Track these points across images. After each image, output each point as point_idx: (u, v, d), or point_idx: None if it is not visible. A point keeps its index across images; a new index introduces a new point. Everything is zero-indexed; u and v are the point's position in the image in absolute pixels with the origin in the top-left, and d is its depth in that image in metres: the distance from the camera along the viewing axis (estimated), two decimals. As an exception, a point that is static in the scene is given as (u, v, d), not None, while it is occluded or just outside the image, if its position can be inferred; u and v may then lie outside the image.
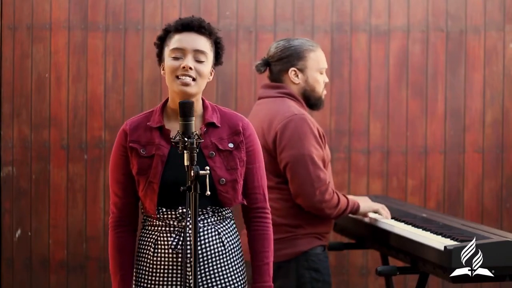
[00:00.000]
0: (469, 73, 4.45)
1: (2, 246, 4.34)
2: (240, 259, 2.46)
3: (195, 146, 2.16)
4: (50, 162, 4.34)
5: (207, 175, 2.16)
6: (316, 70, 3.20)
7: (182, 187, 2.17)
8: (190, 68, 2.32)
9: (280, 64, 3.19)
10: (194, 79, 2.33)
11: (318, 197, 3.01)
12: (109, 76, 4.35)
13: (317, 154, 3.04)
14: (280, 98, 3.15)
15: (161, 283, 2.38)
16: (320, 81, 3.21)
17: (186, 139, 2.17)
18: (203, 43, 2.36)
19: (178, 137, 2.20)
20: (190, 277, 2.31)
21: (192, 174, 2.13)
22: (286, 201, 3.08)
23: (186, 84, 2.32)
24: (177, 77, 2.33)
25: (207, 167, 2.19)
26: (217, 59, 2.44)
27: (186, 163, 2.16)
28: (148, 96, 4.35)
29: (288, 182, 3.07)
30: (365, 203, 3.25)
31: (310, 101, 3.21)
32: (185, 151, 2.16)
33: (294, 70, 3.17)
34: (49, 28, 4.33)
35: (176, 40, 2.36)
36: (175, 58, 2.34)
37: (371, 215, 3.29)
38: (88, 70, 4.35)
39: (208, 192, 2.17)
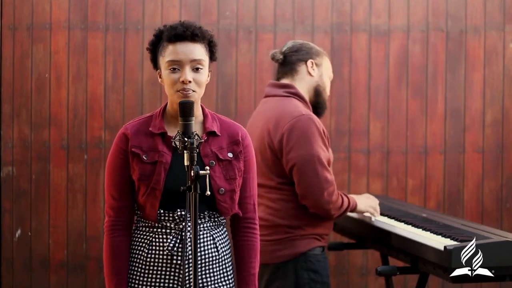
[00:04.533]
0: (469, 73, 4.45)
1: (2, 246, 4.34)
2: (230, 265, 2.46)
3: (195, 146, 2.15)
4: (50, 162, 4.34)
5: (207, 175, 2.16)
6: (327, 75, 3.22)
7: (182, 187, 2.16)
8: (190, 81, 2.30)
9: (299, 54, 3.18)
10: (193, 90, 2.32)
11: (326, 198, 3.00)
12: (109, 76, 4.35)
13: (324, 155, 3.03)
14: (287, 97, 3.13)
15: (153, 284, 2.36)
16: (328, 85, 3.23)
17: (186, 139, 2.16)
18: (198, 51, 2.33)
19: (178, 137, 2.19)
20: (189, 279, 2.30)
21: (192, 174, 2.13)
22: (287, 202, 3.07)
23: (187, 96, 2.30)
24: (177, 90, 2.31)
25: (207, 167, 2.18)
26: (212, 57, 2.41)
27: (186, 163, 2.15)
28: (148, 96, 4.35)
29: (290, 183, 3.06)
30: (363, 201, 3.24)
31: (319, 99, 3.19)
32: (185, 151, 2.16)
33: (313, 62, 3.17)
34: (49, 28, 4.33)
35: (170, 52, 2.32)
36: (172, 70, 2.32)
37: (367, 214, 3.29)
38: (88, 70, 4.35)
39: (208, 192, 2.16)
